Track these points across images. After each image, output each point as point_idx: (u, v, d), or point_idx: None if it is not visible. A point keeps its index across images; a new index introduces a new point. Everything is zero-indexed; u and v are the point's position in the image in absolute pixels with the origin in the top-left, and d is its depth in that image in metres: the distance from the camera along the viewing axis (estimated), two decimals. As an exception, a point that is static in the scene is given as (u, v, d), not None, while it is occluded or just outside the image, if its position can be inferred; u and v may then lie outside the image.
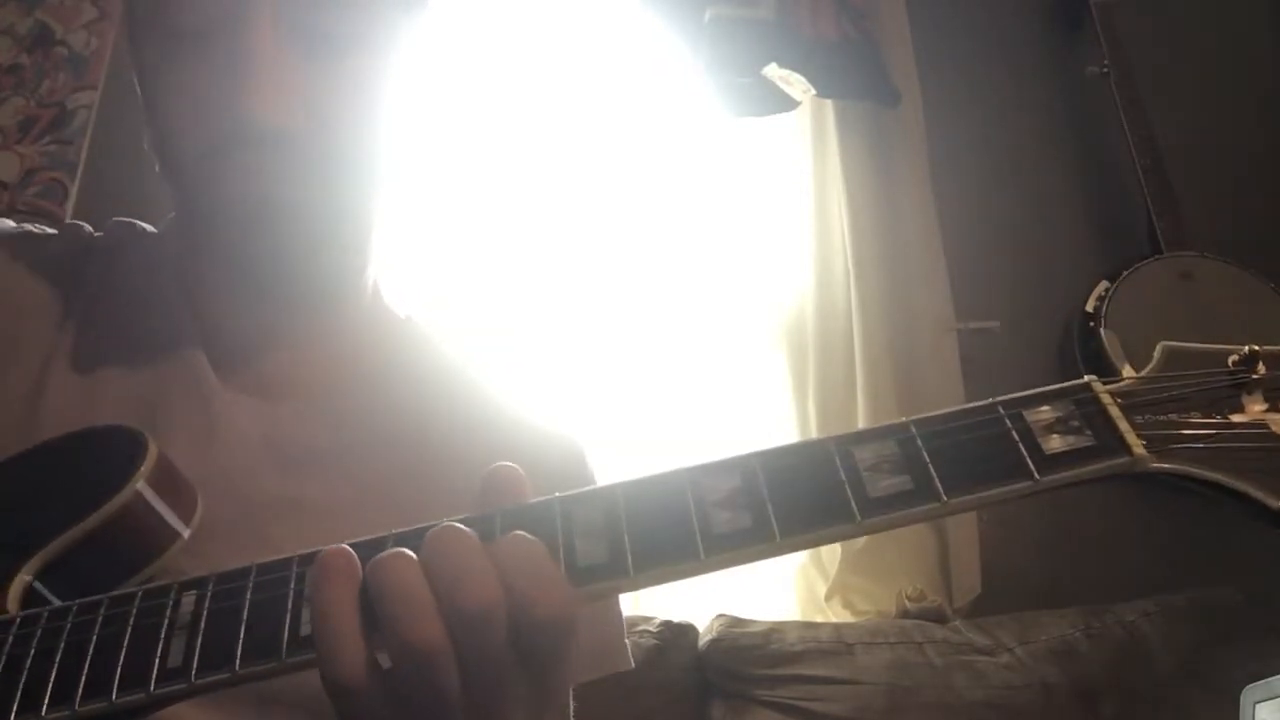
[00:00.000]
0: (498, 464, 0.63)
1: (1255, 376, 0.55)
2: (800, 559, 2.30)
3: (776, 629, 2.05)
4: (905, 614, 2.17)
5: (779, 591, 2.29)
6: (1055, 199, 2.58)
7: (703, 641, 2.05)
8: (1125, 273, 2.33)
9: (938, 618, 2.15)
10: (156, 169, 0.84)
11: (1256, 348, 0.55)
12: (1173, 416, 0.55)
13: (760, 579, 2.28)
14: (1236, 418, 0.54)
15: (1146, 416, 0.55)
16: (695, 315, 2.41)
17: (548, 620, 0.56)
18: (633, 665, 0.98)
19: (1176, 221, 2.37)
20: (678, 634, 2.03)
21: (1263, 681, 1.33)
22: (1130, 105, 2.46)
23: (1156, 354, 0.58)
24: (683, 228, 2.45)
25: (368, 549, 0.59)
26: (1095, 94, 2.56)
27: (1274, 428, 0.53)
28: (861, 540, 2.23)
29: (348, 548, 0.58)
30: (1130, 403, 0.56)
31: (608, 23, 2.51)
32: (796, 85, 2.35)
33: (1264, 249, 2.39)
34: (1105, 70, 2.50)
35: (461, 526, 0.58)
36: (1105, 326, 2.25)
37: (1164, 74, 2.57)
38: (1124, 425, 0.55)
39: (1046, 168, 2.60)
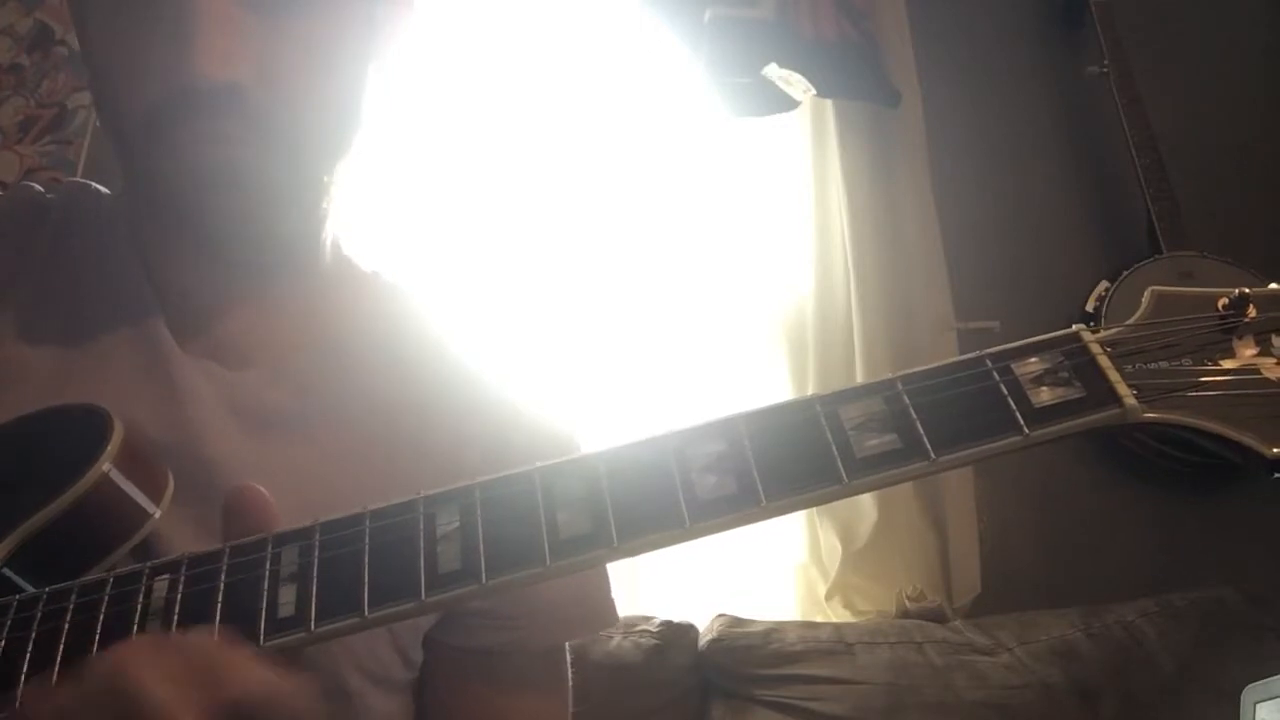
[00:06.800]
0: (242, 484, 0.64)
1: (1246, 320, 0.53)
2: (800, 558, 2.29)
3: (776, 629, 2.04)
4: (905, 614, 2.17)
5: (779, 591, 2.28)
6: (1055, 199, 2.57)
7: (703, 641, 2.05)
8: (1125, 273, 2.32)
9: (938, 618, 2.15)
10: (97, 124, 0.82)
11: (1247, 290, 0.54)
12: (1163, 364, 0.54)
13: (760, 579, 2.27)
14: (1227, 363, 0.53)
15: (1137, 365, 0.54)
16: (696, 315, 2.40)
17: (241, 697, 0.55)
18: (620, 620, 0.97)
19: (1176, 221, 2.36)
20: (678, 634, 2.03)
21: (1263, 681, 1.33)
22: (1130, 105, 2.45)
23: (1145, 299, 0.57)
24: (683, 228, 2.45)
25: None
26: (1095, 94, 2.56)
27: (1265, 372, 0.52)
28: (862, 540, 2.23)
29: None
30: (1120, 351, 0.55)
31: (608, 23, 2.51)
32: (796, 85, 2.34)
33: (1264, 249, 2.38)
34: (1105, 70, 2.50)
35: (145, 643, 0.56)
36: (1105, 327, 2.24)
37: (1164, 74, 2.57)
38: (1114, 375, 0.54)
39: (1046, 168, 2.60)
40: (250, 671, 0.56)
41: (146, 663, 0.55)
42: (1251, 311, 0.54)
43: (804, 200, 2.44)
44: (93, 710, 0.54)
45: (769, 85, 2.35)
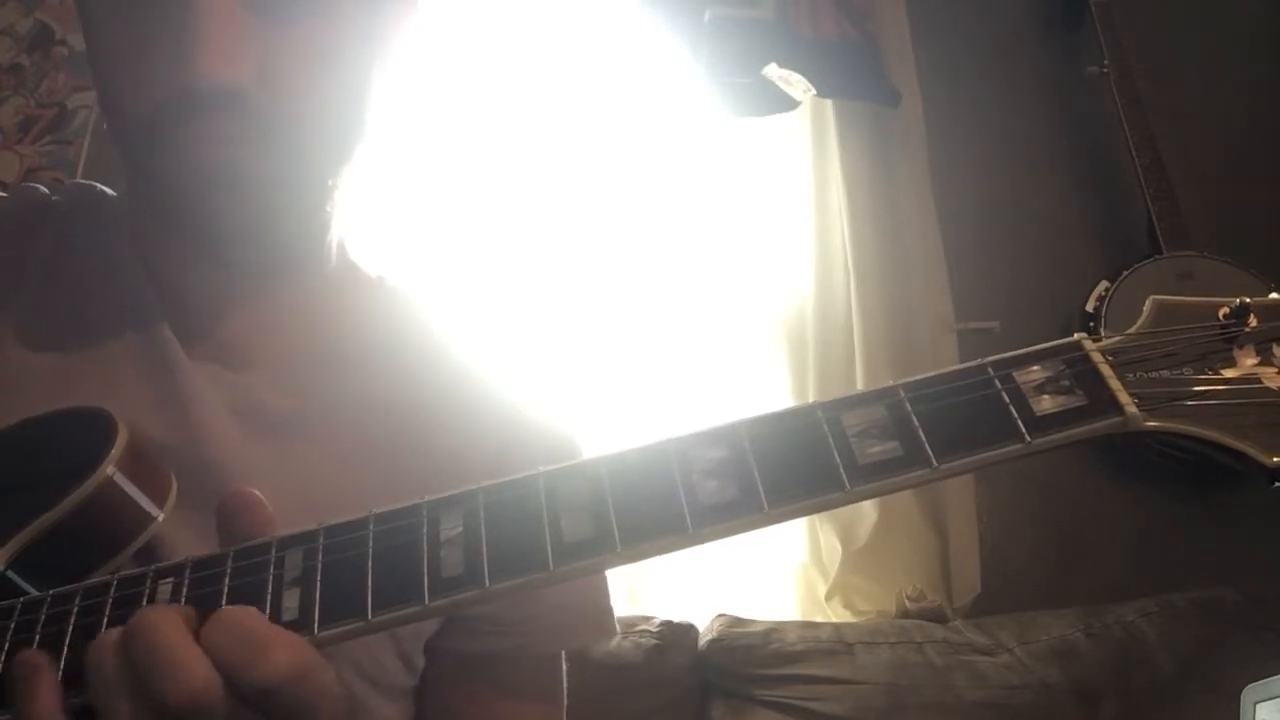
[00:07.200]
0: (238, 487, 0.64)
1: (1247, 329, 0.54)
2: (800, 558, 2.29)
3: (776, 629, 2.04)
4: (905, 614, 2.17)
5: (779, 591, 2.28)
6: (1055, 199, 2.57)
7: (703, 641, 2.05)
8: (1125, 273, 2.32)
9: (938, 618, 2.15)
10: (102, 125, 0.82)
11: (1247, 299, 0.54)
12: (1164, 373, 0.54)
13: (760, 579, 2.27)
14: (1228, 372, 0.53)
15: (1138, 374, 0.54)
16: (696, 316, 2.40)
17: (272, 680, 0.55)
18: (619, 632, 0.97)
19: (1177, 221, 2.36)
20: (678, 634, 2.03)
21: (1263, 681, 1.33)
22: (1130, 105, 2.45)
23: (1146, 308, 0.57)
24: (683, 228, 2.45)
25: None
26: (1095, 94, 2.56)
27: (1266, 381, 0.53)
28: (862, 540, 2.23)
29: (37, 655, 0.59)
30: (1121, 360, 0.55)
31: (607, 23, 2.51)
32: (796, 85, 2.34)
33: (1264, 249, 2.38)
34: (1105, 70, 2.50)
35: (167, 610, 0.57)
36: (1105, 327, 2.24)
37: (1164, 74, 2.57)
38: (1115, 384, 0.54)
39: (1046, 168, 2.60)
40: (290, 650, 0.56)
41: (183, 633, 0.56)
42: (1252, 321, 0.54)
43: (804, 200, 2.44)
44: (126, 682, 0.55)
45: (769, 85, 2.35)
